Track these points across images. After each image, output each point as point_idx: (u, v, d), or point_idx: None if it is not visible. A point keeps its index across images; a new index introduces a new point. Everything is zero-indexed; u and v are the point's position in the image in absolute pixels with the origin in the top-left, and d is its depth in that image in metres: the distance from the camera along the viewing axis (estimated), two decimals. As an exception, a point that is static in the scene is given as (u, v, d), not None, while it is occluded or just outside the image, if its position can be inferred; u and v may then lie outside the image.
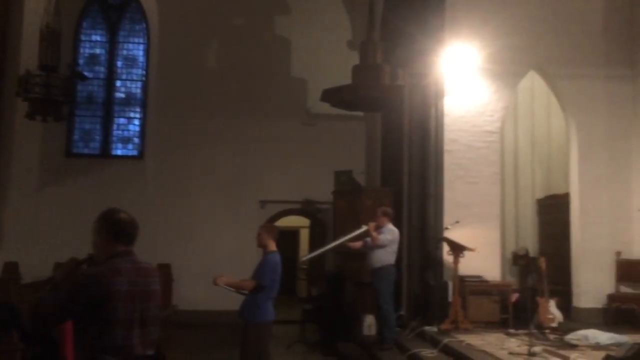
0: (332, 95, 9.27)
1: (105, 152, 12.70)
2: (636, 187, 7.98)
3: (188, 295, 10.52)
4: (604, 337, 6.16)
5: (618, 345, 5.82)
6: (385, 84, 8.96)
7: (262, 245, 5.01)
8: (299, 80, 12.32)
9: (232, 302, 5.44)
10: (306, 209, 12.20)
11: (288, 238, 15.92)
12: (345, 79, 9.48)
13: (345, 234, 7.66)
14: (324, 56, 11.86)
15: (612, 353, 5.17)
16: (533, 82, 9.70)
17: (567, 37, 8.19)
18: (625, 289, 7.71)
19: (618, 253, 7.83)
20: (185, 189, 11.85)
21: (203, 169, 11.92)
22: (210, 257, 11.18)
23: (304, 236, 15.14)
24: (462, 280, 7.25)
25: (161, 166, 12.05)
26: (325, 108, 10.50)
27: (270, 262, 4.89)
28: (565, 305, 7.74)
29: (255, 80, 12.02)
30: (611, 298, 7.65)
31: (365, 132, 11.90)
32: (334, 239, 8.94)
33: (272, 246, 5.01)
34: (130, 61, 13.01)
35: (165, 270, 9.46)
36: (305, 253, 14.88)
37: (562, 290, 7.98)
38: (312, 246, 12.38)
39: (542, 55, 8.20)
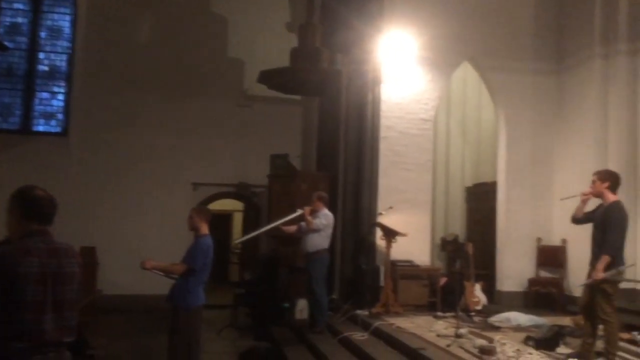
0: (269, 77, 9.10)
1: (25, 128, 11.93)
2: (557, 177, 8.39)
3: (114, 280, 10.16)
4: (524, 319, 6.48)
5: (537, 326, 6.13)
6: (324, 68, 8.89)
7: (193, 228, 4.87)
8: (235, 60, 12.03)
9: (161, 286, 5.27)
10: (240, 192, 12.02)
11: (221, 222, 15.67)
12: (283, 61, 9.34)
13: (280, 217, 7.61)
14: (262, 37, 11.65)
15: (532, 334, 5.44)
16: (466, 72, 9.96)
17: (499, 30, 8.44)
18: (544, 274, 8.13)
19: (539, 239, 8.23)
20: (113, 169, 11.35)
21: (132, 148, 11.44)
22: (138, 240, 10.81)
23: (237, 220, 14.95)
24: (393, 264, 7.38)
25: (87, 145, 11.46)
26: (262, 90, 10.29)
27: (202, 245, 4.76)
28: (490, 288, 8.08)
29: (189, 58, 11.63)
30: (531, 282, 8.05)
31: (302, 116, 11.83)
32: (269, 222, 8.88)
33: (205, 229, 4.87)
34: (55, 32, 12.24)
35: (89, 253, 9.03)
36: (238, 237, 14.72)
37: (487, 275, 8.31)
38: (246, 230, 12.23)
39: (475, 47, 8.41)
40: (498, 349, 4.56)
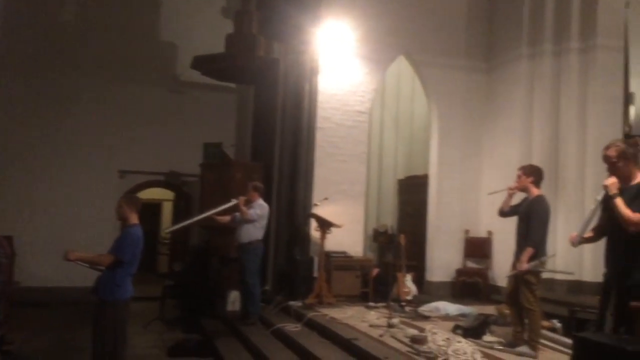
0: (203, 63, 8.88)
1: None
2: (485, 171, 8.70)
3: (33, 271, 9.57)
4: (452, 308, 6.69)
5: (464, 315, 6.35)
6: (260, 56, 8.77)
7: (122, 217, 4.64)
8: (167, 44, 11.60)
9: (84, 278, 5.02)
10: (171, 181, 11.66)
11: (149, 211, 15.17)
12: (218, 47, 9.12)
13: (213, 207, 7.43)
14: (196, 21, 11.27)
15: (461, 323, 5.61)
16: (400, 67, 10.11)
17: (433, 26, 8.62)
18: (471, 264, 8.43)
19: (467, 231, 8.52)
20: (33, 155, 10.68)
21: (55, 133, 10.80)
22: (61, 230, 10.28)
23: (167, 210, 14.52)
24: (327, 255, 7.40)
25: (4, 129, 10.72)
26: (196, 76, 10.04)
27: (131, 235, 4.55)
28: (420, 279, 8.29)
29: (118, 40, 11.06)
30: (459, 272, 8.33)
31: (237, 104, 11.60)
32: (201, 212, 8.66)
33: (134, 219, 4.66)
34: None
35: (5, 243, 8.46)
36: (167, 227, 14.30)
37: (417, 266, 8.52)
38: (176, 220, 11.90)
39: (411, 42, 8.55)
40: (429, 338, 4.66)
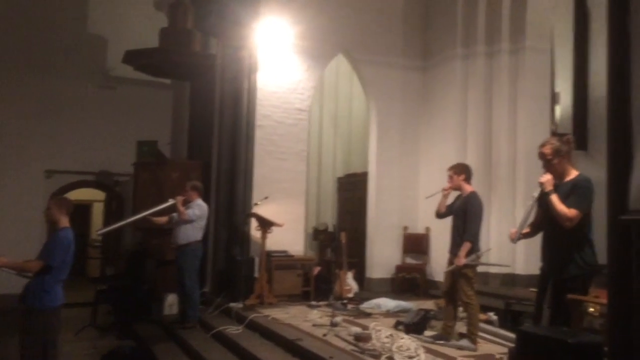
0: (135, 58, 8.54)
1: None
2: (423, 169, 8.87)
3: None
4: (392, 304, 6.77)
5: (404, 311, 6.43)
6: (196, 51, 8.54)
7: (51, 220, 4.38)
8: (97, 37, 11.03)
9: (10, 285, 4.69)
10: (102, 181, 11.14)
11: (79, 213, 14.47)
12: (151, 41, 8.81)
13: (147, 208, 7.16)
14: (127, 13, 10.83)
15: (402, 319, 5.68)
16: (338, 65, 10.15)
17: (371, 24, 8.68)
18: (410, 260, 8.57)
19: (405, 228, 8.65)
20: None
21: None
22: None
23: (98, 211, 13.90)
24: (268, 255, 7.30)
25: None
26: (128, 71, 9.66)
27: (62, 239, 4.28)
28: (360, 276, 8.34)
29: (44, 33, 10.40)
30: (398, 269, 8.44)
31: (173, 101, 11.24)
32: (134, 214, 8.33)
33: (64, 222, 4.39)
34: None
35: None
36: (99, 229, 13.71)
37: (358, 263, 8.56)
38: (107, 222, 11.39)
39: (349, 39, 8.57)
40: (373, 336, 4.68)
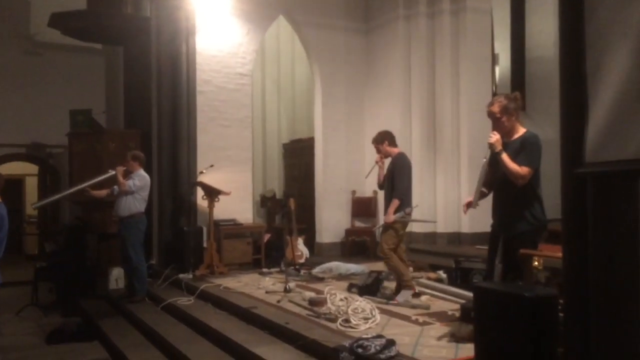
0: (62, 21, 7.99)
1: None
2: (369, 133, 8.79)
3: None
4: (344, 268, 6.82)
5: (356, 274, 6.51)
6: (128, 13, 8.08)
7: (-19, 197, 4.06)
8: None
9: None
10: (33, 153, 10.53)
11: (10, 188, 13.68)
12: (79, 3, 8.25)
13: (85, 180, 6.83)
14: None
15: (355, 281, 5.73)
16: (279, 28, 9.89)
17: (313, -15, 8.47)
18: (359, 224, 8.63)
19: (353, 192, 8.68)
20: None
21: None
22: None
23: (31, 185, 13.18)
24: (216, 224, 7.16)
25: None
26: (56, 36, 9.04)
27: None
28: (310, 241, 8.35)
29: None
30: (348, 232, 8.50)
31: (105, 67, 10.65)
32: (71, 187, 7.94)
33: (-6, 197, 4.09)
34: None
35: None
36: (34, 203, 13.05)
37: (307, 228, 8.56)
38: (42, 197, 10.85)
39: (290, 1, 8.34)
40: (328, 299, 4.68)
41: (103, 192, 6.59)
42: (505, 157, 3.53)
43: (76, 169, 8.07)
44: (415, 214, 5.34)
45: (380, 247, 5.19)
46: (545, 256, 3.37)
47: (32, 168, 11.69)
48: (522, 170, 3.47)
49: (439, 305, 4.93)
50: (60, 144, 9.61)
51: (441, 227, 7.81)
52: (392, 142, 5.39)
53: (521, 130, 3.69)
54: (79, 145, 8.13)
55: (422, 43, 8.09)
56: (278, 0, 8.22)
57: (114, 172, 6.38)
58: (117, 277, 7.38)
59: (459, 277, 5.54)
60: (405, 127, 8.17)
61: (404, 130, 8.14)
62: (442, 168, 7.92)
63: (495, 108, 3.70)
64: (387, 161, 5.42)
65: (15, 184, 13.77)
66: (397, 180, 5.13)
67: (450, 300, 5.07)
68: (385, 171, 5.35)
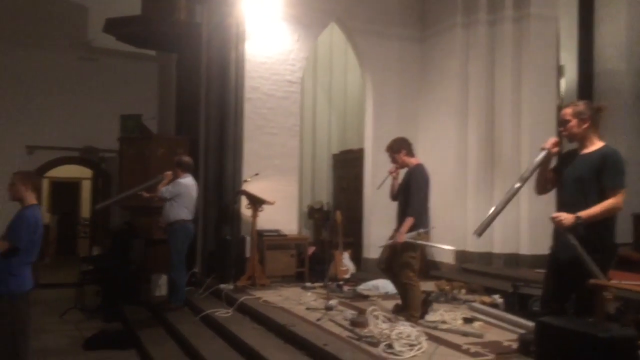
0: (117, 27, 8.07)
1: None
2: (422, 144, 8.45)
3: None
4: (391, 286, 6.40)
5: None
6: (181, 19, 8.06)
7: (17, 198, 3.99)
8: (77, 5, 10.45)
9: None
10: (86, 157, 10.70)
11: (67, 191, 14.09)
12: (134, 9, 8.32)
13: (132, 186, 6.86)
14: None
15: (400, 302, 5.35)
16: (332, 36, 9.69)
17: (365, -9, 8.22)
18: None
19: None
20: None
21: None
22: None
23: (86, 189, 13.48)
24: (260, 234, 6.95)
25: None
26: (110, 42, 9.17)
27: (27, 218, 3.90)
28: (357, 256, 8.01)
29: (22, 3, 9.88)
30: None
31: (158, 73, 10.74)
32: (120, 192, 7.98)
33: (31, 199, 4.01)
34: None
35: None
36: (86, 208, 13.35)
37: (354, 243, 8.23)
38: (96, 200, 11.02)
39: (342, 7, 8.12)
40: (370, 321, 4.35)
41: (147, 195, 6.56)
42: (597, 209, 3.09)
43: (125, 173, 8.10)
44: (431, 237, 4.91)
45: (403, 273, 4.77)
46: (626, 288, 2.92)
47: (87, 172, 11.94)
48: (617, 199, 3.05)
49: (494, 334, 4.49)
50: (112, 149, 9.72)
51: (498, 248, 7.32)
52: (410, 151, 4.98)
53: (598, 144, 3.28)
54: (128, 150, 8.16)
55: (481, 52, 7.66)
56: (330, 6, 8.00)
57: (162, 177, 6.34)
58: (160, 284, 7.30)
59: (517, 303, 5.06)
60: (461, 141, 7.76)
61: (460, 144, 7.74)
62: (500, 185, 7.42)
63: (567, 110, 3.36)
64: (402, 172, 5.05)
65: (72, 187, 14.16)
66: (413, 195, 4.69)
67: (506, 329, 4.61)
68: (398, 182, 4.97)
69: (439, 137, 8.13)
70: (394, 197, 5.04)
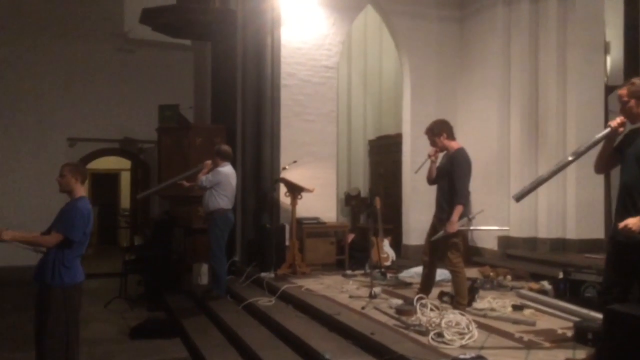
0: (153, 17, 8.08)
1: None
2: (462, 128, 8.20)
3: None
4: (434, 273, 6.30)
5: (447, 280, 5.97)
6: (215, 7, 8.02)
7: (67, 189, 3.96)
8: (113, -2, 10.58)
9: (29, 256, 4.38)
10: (126, 148, 10.83)
11: (106, 182, 14.35)
12: (170, 1, 8.32)
13: (171, 175, 6.90)
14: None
15: (446, 289, 5.24)
16: (366, 18, 9.52)
17: (402, -28, 8.00)
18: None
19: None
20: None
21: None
22: (8, 204, 9.46)
23: (125, 180, 13.69)
24: (299, 222, 6.90)
25: None
26: (147, 33, 9.21)
27: (81, 211, 3.89)
28: (397, 243, 7.90)
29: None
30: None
31: (194, 63, 10.75)
32: (159, 181, 8.05)
33: (81, 191, 4.00)
34: None
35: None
36: (126, 199, 13.56)
37: (393, 229, 8.11)
38: (135, 191, 11.17)
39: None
40: (418, 309, 4.25)
41: (187, 184, 6.58)
42: None
43: (164, 163, 8.15)
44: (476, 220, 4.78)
45: (449, 260, 4.66)
46: None
47: (125, 163, 12.10)
48: None
49: (546, 322, 4.34)
50: (151, 140, 9.80)
51: (543, 232, 7.11)
52: (451, 134, 4.80)
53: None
54: (167, 140, 8.20)
55: (524, 30, 7.40)
56: (366, -12, 7.84)
57: (202, 166, 6.35)
58: (201, 272, 7.35)
59: (568, 290, 4.88)
60: (504, 123, 7.54)
61: (502, 126, 7.53)
62: (544, 167, 7.16)
63: (623, 91, 3.21)
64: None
65: (111, 179, 14.41)
66: (458, 180, 4.54)
67: (559, 317, 4.45)
68: (435, 166, 4.82)
69: (480, 120, 7.91)
70: (431, 181, 4.92)
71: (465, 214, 4.59)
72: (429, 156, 4.82)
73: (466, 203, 4.60)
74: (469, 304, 4.74)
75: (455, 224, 4.51)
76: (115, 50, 10.34)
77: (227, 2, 8.11)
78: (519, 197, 3.40)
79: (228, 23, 7.91)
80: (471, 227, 4.68)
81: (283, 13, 7.38)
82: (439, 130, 4.78)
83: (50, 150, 9.91)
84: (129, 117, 10.28)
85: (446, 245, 4.68)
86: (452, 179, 4.59)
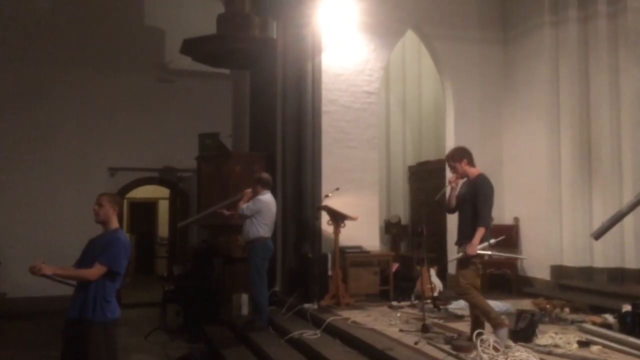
0: (193, 47, 8.11)
1: None
2: (507, 153, 8.04)
3: (19, 280, 8.77)
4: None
5: (500, 313, 5.67)
6: (255, 35, 8.02)
7: (104, 220, 3.84)
8: (154, 29, 10.74)
9: (44, 287, 4.34)
10: (165, 177, 10.88)
11: (144, 211, 14.44)
12: (209, 30, 8.37)
13: (210, 204, 6.81)
14: (184, 3, 10.47)
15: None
16: (404, 43, 9.40)
17: (443, -4, 7.89)
18: (497, 254, 7.72)
19: (492, 219, 7.79)
20: (14, 154, 9.93)
21: (37, 130, 10.04)
22: (47, 234, 9.54)
23: (163, 209, 13.74)
24: (342, 251, 6.70)
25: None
26: (186, 63, 9.32)
27: (124, 242, 3.81)
28: (442, 273, 7.60)
29: (100, 27, 10.24)
30: (485, 264, 7.60)
31: (233, 91, 10.81)
32: (198, 210, 7.98)
33: (116, 222, 3.90)
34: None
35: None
36: (164, 228, 13.59)
37: (437, 258, 7.82)
38: (173, 219, 11.17)
39: (419, 13, 7.83)
40: (478, 345, 3.98)
41: (227, 213, 6.47)
42: None
43: (204, 191, 8.09)
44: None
45: (458, 282, 4.48)
46: None
47: (164, 192, 12.17)
48: None
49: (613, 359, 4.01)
50: (189, 168, 9.82)
51: (600, 262, 6.73)
52: (471, 160, 4.73)
53: None
54: (206, 168, 8.17)
55: (572, 51, 7.17)
56: (406, 13, 7.73)
57: (242, 194, 6.24)
58: (241, 303, 7.18)
59: (638, 324, 4.53)
60: (553, 147, 7.26)
61: (552, 151, 7.26)
62: (599, 192, 6.86)
63: None
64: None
65: (149, 207, 14.50)
66: (480, 205, 4.45)
67: (630, 354, 4.11)
68: (455, 193, 4.72)
69: (527, 145, 7.64)
70: (450, 209, 4.83)
71: (487, 238, 4.46)
72: (449, 182, 4.76)
73: (488, 227, 4.50)
74: (530, 339, 4.44)
75: (475, 247, 4.39)
76: (156, 81, 10.49)
77: (267, 29, 8.11)
78: (598, 235, 3.15)
79: (268, 50, 7.90)
80: (489, 252, 4.45)
81: (323, 39, 7.32)
82: (459, 157, 4.74)
83: (90, 180, 10.00)
84: (168, 146, 10.35)
85: (460, 267, 4.53)
86: (475, 203, 4.52)
